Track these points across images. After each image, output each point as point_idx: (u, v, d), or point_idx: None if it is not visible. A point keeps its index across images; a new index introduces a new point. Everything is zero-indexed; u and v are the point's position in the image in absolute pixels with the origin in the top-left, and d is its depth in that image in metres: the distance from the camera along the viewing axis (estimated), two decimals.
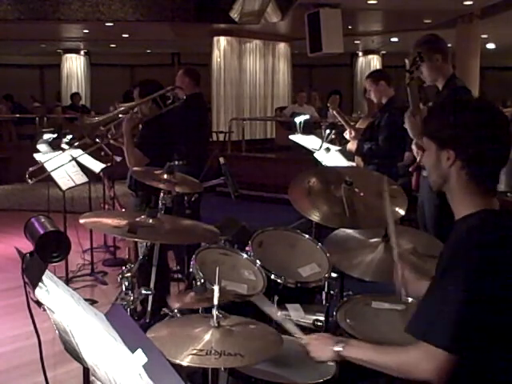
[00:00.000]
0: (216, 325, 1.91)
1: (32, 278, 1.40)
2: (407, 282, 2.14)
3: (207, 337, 1.86)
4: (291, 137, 6.02)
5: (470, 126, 1.66)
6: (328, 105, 5.33)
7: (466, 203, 1.69)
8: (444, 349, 1.51)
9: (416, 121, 3.33)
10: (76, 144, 5.01)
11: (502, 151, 1.69)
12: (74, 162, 5.19)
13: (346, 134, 4.89)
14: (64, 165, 4.81)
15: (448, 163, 1.68)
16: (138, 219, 2.66)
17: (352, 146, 4.75)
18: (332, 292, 2.76)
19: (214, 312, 1.92)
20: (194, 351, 1.78)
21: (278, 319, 2.15)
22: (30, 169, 4.29)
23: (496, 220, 1.68)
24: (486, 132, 1.66)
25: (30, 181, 4.25)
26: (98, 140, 4.11)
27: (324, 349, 1.84)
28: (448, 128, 1.68)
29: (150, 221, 2.66)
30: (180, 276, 4.51)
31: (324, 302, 2.71)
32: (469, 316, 1.52)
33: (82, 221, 2.57)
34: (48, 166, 4.67)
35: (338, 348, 1.78)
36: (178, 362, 1.74)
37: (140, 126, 4.10)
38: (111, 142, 4.25)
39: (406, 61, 3.53)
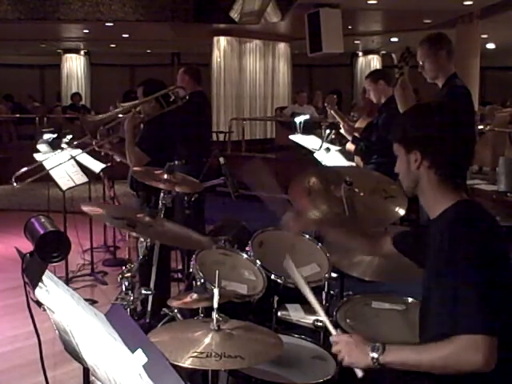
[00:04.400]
0: (216, 328, 1.91)
1: (32, 277, 1.40)
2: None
3: (207, 340, 1.87)
4: (291, 137, 6.02)
5: (432, 125, 1.75)
6: (325, 104, 5.35)
7: (439, 201, 1.76)
8: (483, 333, 1.50)
9: (405, 92, 3.44)
10: (76, 143, 4.99)
11: (464, 146, 1.79)
12: (73, 162, 5.19)
13: (341, 127, 4.93)
14: (62, 164, 4.80)
15: (416, 165, 1.76)
16: (138, 215, 2.67)
17: (351, 145, 4.76)
18: (332, 292, 2.77)
19: (214, 315, 1.92)
20: (195, 354, 1.78)
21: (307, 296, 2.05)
22: (17, 173, 4.08)
23: (472, 206, 1.76)
24: (447, 129, 1.74)
25: (15, 184, 4.09)
26: (98, 139, 4.10)
27: (359, 355, 1.70)
28: (411, 130, 1.77)
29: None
30: (180, 276, 4.52)
31: (324, 301, 2.70)
32: (489, 294, 1.55)
33: (84, 208, 2.56)
34: (48, 166, 4.67)
35: (375, 355, 1.66)
36: (178, 364, 1.74)
37: (141, 125, 4.09)
38: (97, 148, 4.10)
39: (394, 56, 3.61)
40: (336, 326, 2.33)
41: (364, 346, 1.70)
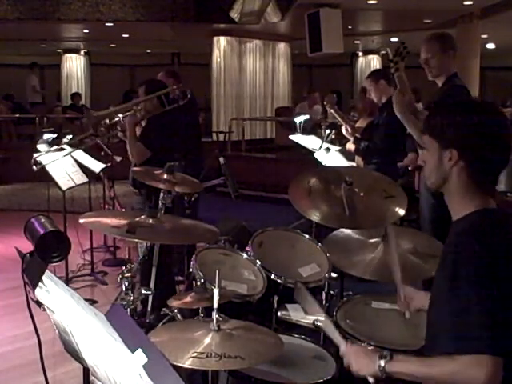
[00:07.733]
0: (216, 328, 1.91)
1: (32, 277, 1.40)
2: (411, 300, 2.09)
3: (207, 340, 1.87)
4: (291, 137, 6.01)
5: (476, 128, 1.65)
6: (325, 103, 5.35)
7: (465, 204, 1.68)
8: (488, 353, 1.47)
9: (405, 99, 3.43)
10: (79, 138, 5.05)
11: (503, 153, 1.68)
12: (74, 162, 5.19)
13: (343, 130, 4.93)
14: (62, 157, 4.85)
15: (450, 163, 1.67)
16: (137, 219, 2.66)
17: (351, 145, 4.76)
18: (332, 292, 2.77)
19: (214, 315, 1.92)
20: (195, 354, 1.78)
21: (317, 318, 2.03)
22: (35, 156, 4.52)
23: (494, 217, 1.68)
24: (489, 134, 1.65)
25: (34, 167, 4.49)
26: (99, 135, 4.18)
27: (367, 363, 1.69)
28: (453, 128, 1.67)
29: (150, 221, 2.66)
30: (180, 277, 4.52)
31: (324, 302, 2.71)
32: (496, 312, 1.50)
33: (81, 220, 2.57)
34: (48, 164, 4.69)
35: (382, 363, 1.65)
36: (178, 364, 1.74)
37: (143, 122, 4.14)
38: (119, 134, 4.29)
39: (388, 50, 3.57)
40: (336, 326, 2.33)
41: (372, 354, 1.69)
